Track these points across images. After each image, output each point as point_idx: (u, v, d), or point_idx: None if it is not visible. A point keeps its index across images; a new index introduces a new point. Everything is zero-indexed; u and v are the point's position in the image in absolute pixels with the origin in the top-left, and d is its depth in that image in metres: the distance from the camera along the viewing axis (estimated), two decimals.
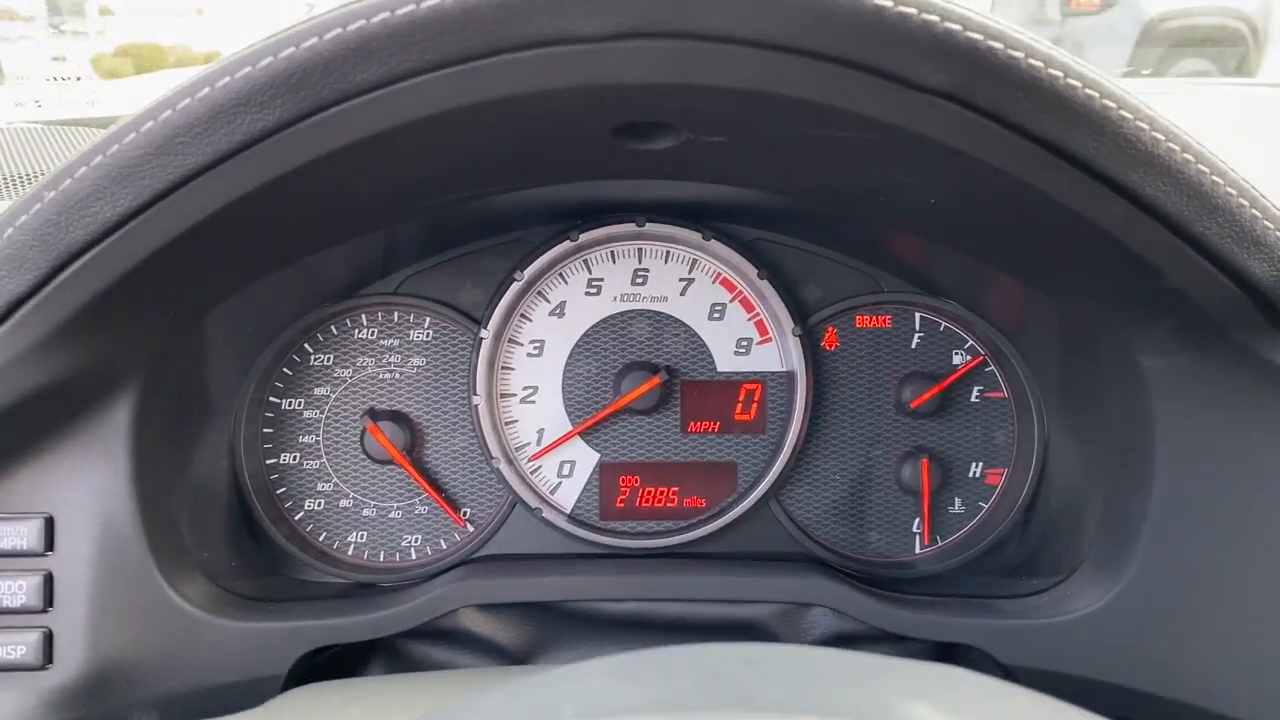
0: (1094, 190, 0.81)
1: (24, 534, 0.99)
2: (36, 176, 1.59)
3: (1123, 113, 0.78)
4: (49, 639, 1.00)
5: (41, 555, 1.00)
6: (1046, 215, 0.85)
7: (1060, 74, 0.76)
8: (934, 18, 0.73)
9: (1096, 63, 0.80)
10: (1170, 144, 0.80)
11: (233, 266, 1.00)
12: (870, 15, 0.72)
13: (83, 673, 1.00)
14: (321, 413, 1.28)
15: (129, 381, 1.00)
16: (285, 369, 1.27)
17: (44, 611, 1.00)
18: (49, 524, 1.00)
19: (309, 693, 0.94)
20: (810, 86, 0.76)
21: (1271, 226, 0.84)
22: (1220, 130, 0.82)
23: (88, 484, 1.00)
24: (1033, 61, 0.75)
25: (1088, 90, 0.77)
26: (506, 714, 0.50)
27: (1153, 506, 1.03)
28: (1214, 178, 0.81)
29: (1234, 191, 0.82)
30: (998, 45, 0.74)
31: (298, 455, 1.28)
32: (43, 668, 0.99)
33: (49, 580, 1.00)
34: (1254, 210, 0.83)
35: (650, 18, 0.73)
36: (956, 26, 0.73)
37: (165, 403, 1.05)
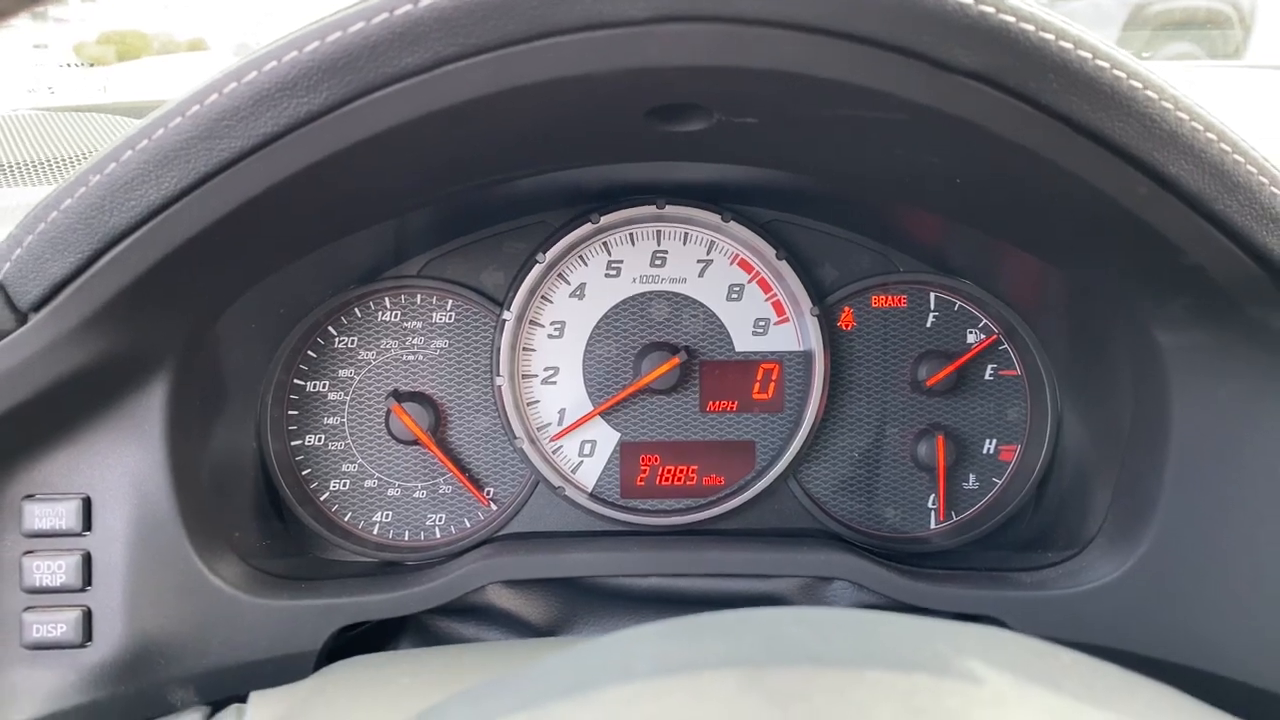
0: (1118, 169, 0.83)
1: (63, 514, 1.00)
2: (53, 162, 1.60)
3: (1148, 93, 0.80)
4: (88, 617, 1.01)
5: (80, 535, 1.01)
6: (1070, 193, 0.87)
7: (1089, 55, 0.78)
8: (968, 0, 0.74)
9: None
10: (1194, 123, 0.82)
11: (269, 250, 1.01)
12: None
13: (121, 650, 1.01)
14: (346, 394, 1.30)
15: (164, 363, 1.01)
16: (310, 351, 1.28)
17: (83, 590, 1.01)
18: (86, 504, 1.01)
19: (357, 664, 0.96)
20: (845, 68, 0.77)
21: None
22: None
23: (124, 465, 1.02)
24: (1063, 43, 0.77)
25: (1115, 71, 0.79)
26: (577, 673, 0.52)
27: (1168, 479, 1.06)
28: (1235, 156, 0.83)
29: (1255, 170, 0.84)
30: (1029, 27, 0.76)
31: (323, 437, 1.30)
32: (82, 645, 1.01)
33: (87, 560, 1.01)
34: (1274, 189, 0.85)
35: (690, 1, 0.74)
36: (990, 9, 0.75)
37: (197, 385, 1.07)
